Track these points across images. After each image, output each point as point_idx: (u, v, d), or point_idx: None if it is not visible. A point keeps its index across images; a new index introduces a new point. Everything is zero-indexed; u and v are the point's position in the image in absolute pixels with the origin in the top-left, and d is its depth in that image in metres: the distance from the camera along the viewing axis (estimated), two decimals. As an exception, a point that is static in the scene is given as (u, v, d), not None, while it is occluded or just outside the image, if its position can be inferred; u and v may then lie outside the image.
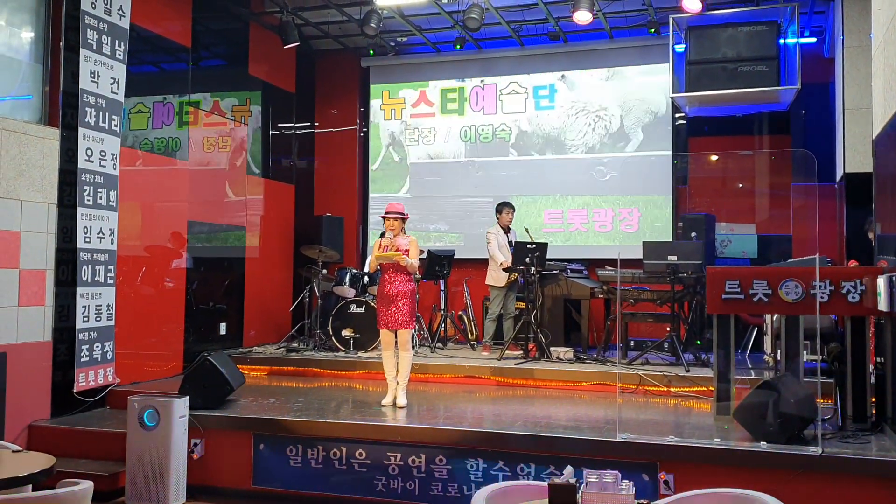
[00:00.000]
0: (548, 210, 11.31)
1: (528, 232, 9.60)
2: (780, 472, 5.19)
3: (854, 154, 8.17)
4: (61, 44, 7.12)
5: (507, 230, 9.60)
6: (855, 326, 6.10)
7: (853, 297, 5.93)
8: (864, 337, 6.09)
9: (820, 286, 5.94)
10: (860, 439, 5.66)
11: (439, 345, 9.73)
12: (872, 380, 6.13)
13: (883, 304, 5.57)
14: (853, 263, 7.67)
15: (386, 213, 7.05)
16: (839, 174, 8.95)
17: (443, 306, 10.20)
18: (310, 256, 9.95)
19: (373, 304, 9.30)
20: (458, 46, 11.30)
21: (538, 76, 11.50)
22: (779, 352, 6.64)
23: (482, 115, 11.69)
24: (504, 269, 9.30)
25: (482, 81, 11.72)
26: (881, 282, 5.59)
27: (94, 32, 7.25)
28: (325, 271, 9.97)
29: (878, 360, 6.16)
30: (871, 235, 7.16)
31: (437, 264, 9.59)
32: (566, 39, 11.16)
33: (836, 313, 6.41)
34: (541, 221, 11.25)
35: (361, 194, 12.21)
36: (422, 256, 9.75)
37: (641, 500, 3.59)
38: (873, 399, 6.12)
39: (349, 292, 9.55)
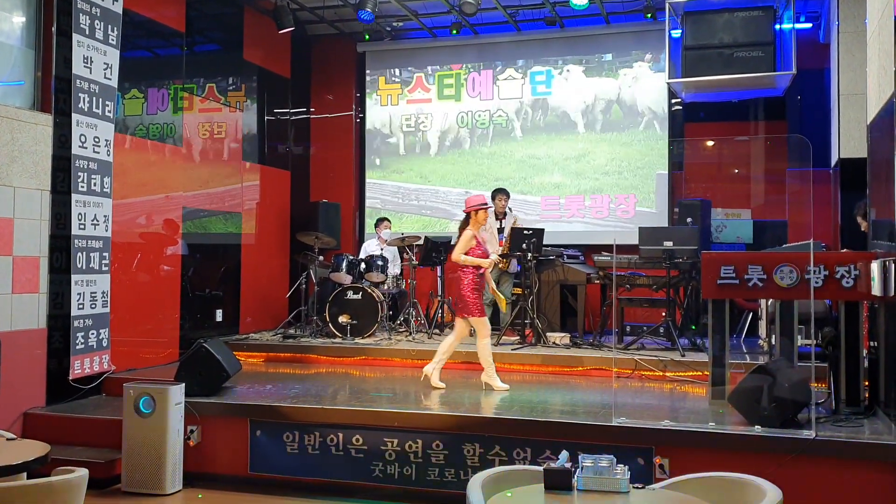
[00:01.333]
0: (544, 196, 11.30)
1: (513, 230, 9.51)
2: (775, 456, 5.21)
3: (849, 139, 8.17)
4: (53, 28, 7.08)
5: (502, 216, 9.59)
6: (849, 311, 6.12)
7: (847, 282, 5.94)
8: (858, 321, 6.11)
9: (814, 271, 5.95)
10: (853, 423, 5.68)
11: (436, 331, 9.73)
12: (866, 364, 6.15)
13: (877, 289, 5.58)
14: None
15: (481, 205, 7.07)
16: (834, 159, 8.95)
17: (440, 292, 10.20)
18: (306, 243, 9.94)
19: (369, 289, 9.30)
20: (455, 31, 11.25)
21: (535, 61, 11.47)
22: (773, 336, 6.66)
23: (479, 100, 11.66)
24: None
25: (479, 67, 11.69)
26: (875, 267, 5.60)
27: (87, 17, 7.20)
28: (321, 258, 9.96)
29: (872, 344, 6.18)
30: (859, 220, 7.18)
31: (434, 251, 9.59)
32: (563, 25, 11.14)
33: (831, 298, 6.43)
34: (538, 207, 11.25)
35: (358, 180, 12.19)
36: (419, 243, 9.80)
37: (637, 484, 3.61)
38: (866, 383, 6.15)
39: (346, 279, 9.55)
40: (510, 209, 9.77)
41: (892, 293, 5.37)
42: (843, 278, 5.95)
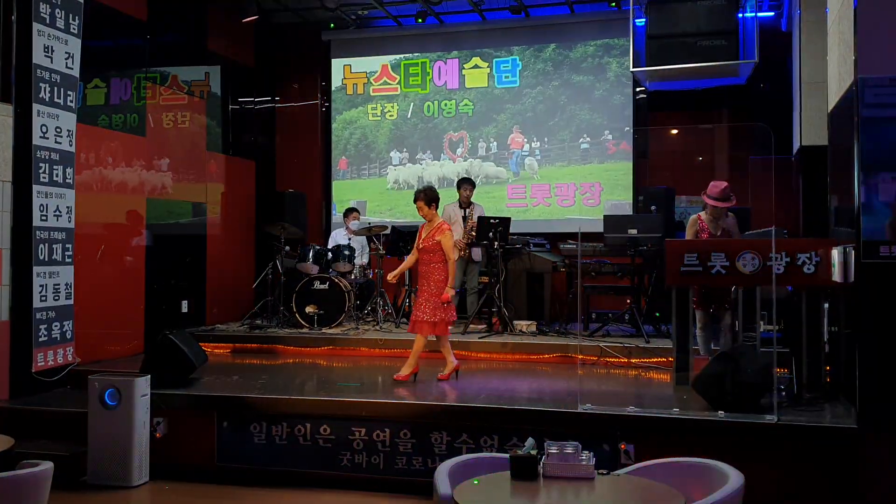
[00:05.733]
0: (511, 185, 11.34)
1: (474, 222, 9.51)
2: (737, 440, 5.30)
3: (810, 127, 8.28)
4: (13, 17, 6.95)
5: (466, 206, 9.61)
6: (810, 297, 6.22)
7: (808, 269, 6.03)
8: (819, 307, 6.21)
9: (776, 258, 6.04)
10: (815, 407, 5.80)
11: (404, 320, 9.73)
12: (827, 349, 6.26)
13: (837, 275, 5.67)
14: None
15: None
16: (796, 147, 9.07)
17: (406, 281, 10.20)
18: (272, 233, 9.89)
19: (336, 279, 9.29)
20: (420, 20, 11.23)
21: (501, 50, 11.48)
22: (736, 323, 6.75)
23: (445, 89, 11.66)
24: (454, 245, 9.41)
25: (445, 56, 11.69)
26: (835, 253, 5.69)
27: (47, 6, 7.09)
28: (288, 248, 9.92)
29: (832, 329, 6.29)
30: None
31: (401, 240, 9.59)
32: (528, 13, 11.16)
33: (792, 284, 6.52)
34: (504, 196, 11.29)
35: (324, 170, 12.14)
36: (386, 232, 9.79)
37: (602, 470, 3.66)
38: (828, 368, 6.26)
39: (313, 269, 9.52)
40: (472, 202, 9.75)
41: (852, 279, 5.47)
42: (805, 265, 6.05)
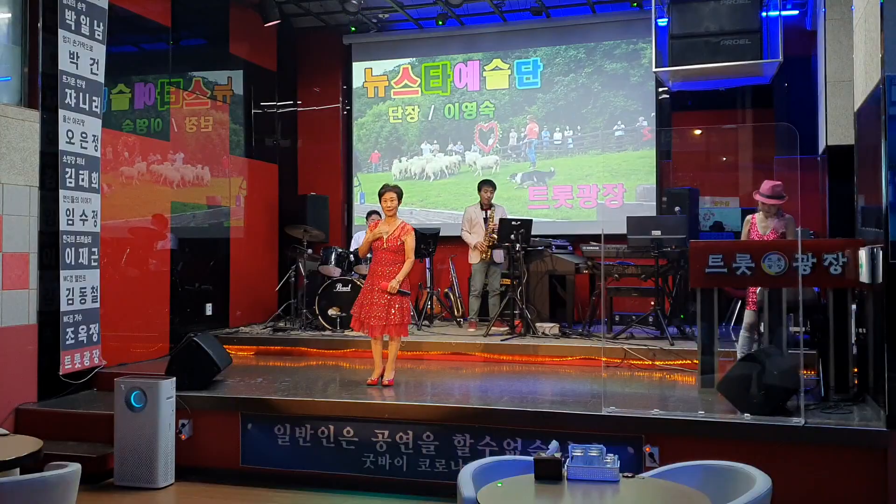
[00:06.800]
0: (532, 187, 11.32)
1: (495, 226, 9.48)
2: (764, 444, 5.26)
3: (836, 127, 8.20)
4: (39, 24, 7.03)
5: (487, 207, 9.59)
6: (837, 298, 6.16)
7: (835, 270, 5.98)
8: (846, 309, 6.15)
9: (802, 259, 5.98)
10: (842, 409, 5.73)
11: (426, 322, 9.75)
12: (854, 351, 6.19)
13: (865, 276, 5.62)
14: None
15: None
16: (821, 147, 8.98)
17: (429, 284, 10.21)
18: (295, 236, 9.92)
19: (359, 282, 9.30)
20: (441, 22, 11.24)
21: (522, 52, 11.47)
22: (762, 324, 6.69)
23: (466, 91, 11.66)
24: (475, 248, 9.41)
25: (466, 58, 11.68)
26: (863, 254, 5.64)
27: (73, 13, 7.16)
28: (310, 251, 9.95)
29: (860, 330, 6.22)
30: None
31: (423, 242, 9.59)
32: (549, 14, 11.13)
33: (819, 285, 6.46)
34: (525, 198, 11.27)
35: (346, 173, 12.17)
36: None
37: (626, 473, 3.63)
38: (855, 370, 6.19)
39: (335, 271, 9.55)
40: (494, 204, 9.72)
41: (880, 280, 5.41)
42: (831, 266, 6.00)
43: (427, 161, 11.80)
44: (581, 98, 11.19)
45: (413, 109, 11.87)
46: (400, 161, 11.93)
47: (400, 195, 6.93)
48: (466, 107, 11.63)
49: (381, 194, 6.93)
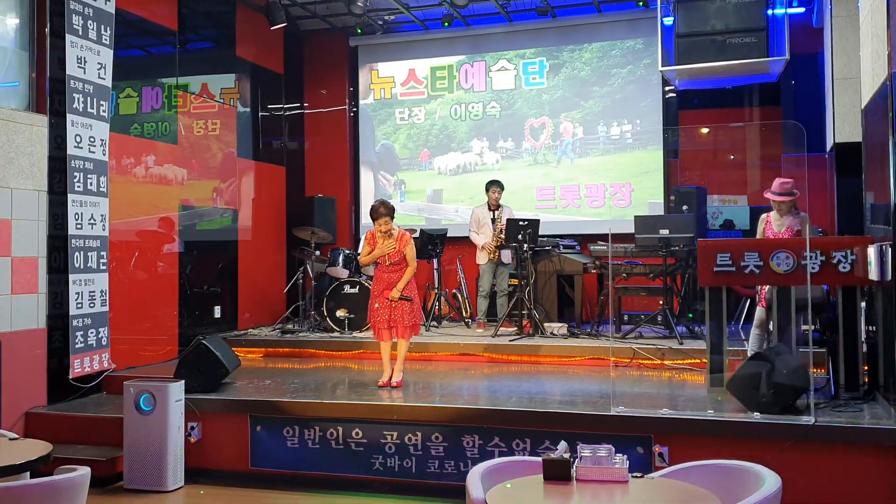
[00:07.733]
0: (539, 186, 11.31)
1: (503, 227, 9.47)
2: (774, 443, 5.23)
3: (843, 124, 8.17)
4: (47, 30, 7.06)
5: (495, 208, 9.58)
6: (846, 296, 6.14)
7: (844, 267, 5.96)
8: (856, 306, 6.13)
9: (811, 257, 5.97)
10: (853, 408, 5.71)
11: (434, 323, 9.75)
12: (864, 349, 6.16)
13: (873, 274, 5.59)
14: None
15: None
16: (829, 144, 8.96)
17: (436, 285, 10.21)
18: (302, 238, 9.94)
19: (366, 283, 9.31)
20: (447, 24, 11.24)
21: (528, 52, 11.46)
22: (771, 323, 6.67)
23: (472, 92, 11.66)
24: (483, 248, 9.41)
25: (472, 59, 11.68)
26: (871, 251, 5.61)
27: (80, 17, 7.19)
28: (318, 252, 9.96)
29: (870, 328, 6.20)
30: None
31: (430, 243, 9.59)
32: (554, 14, 11.12)
33: (828, 283, 6.44)
34: (532, 198, 11.26)
35: (353, 174, 12.18)
36: (415, 236, 9.78)
37: (636, 473, 3.63)
38: (865, 368, 6.16)
39: (343, 273, 9.56)
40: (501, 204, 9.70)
41: (889, 277, 5.39)
42: (840, 263, 5.98)
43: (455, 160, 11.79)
44: (586, 97, 11.17)
45: (419, 111, 11.85)
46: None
47: (392, 215, 6.84)
48: (472, 108, 11.62)
49: (374, 218, 6.82)
